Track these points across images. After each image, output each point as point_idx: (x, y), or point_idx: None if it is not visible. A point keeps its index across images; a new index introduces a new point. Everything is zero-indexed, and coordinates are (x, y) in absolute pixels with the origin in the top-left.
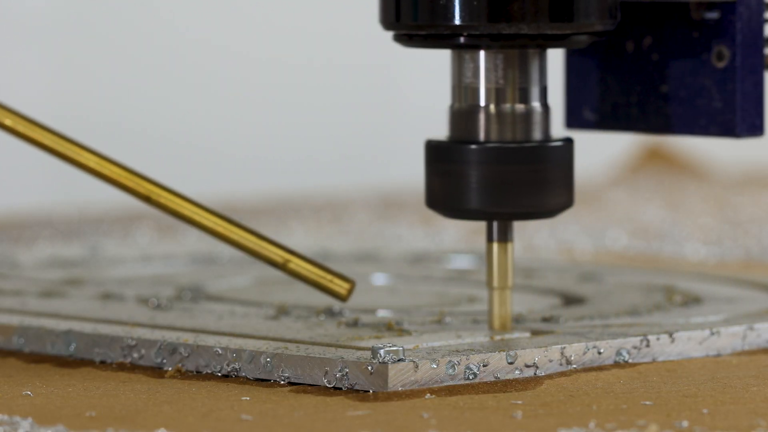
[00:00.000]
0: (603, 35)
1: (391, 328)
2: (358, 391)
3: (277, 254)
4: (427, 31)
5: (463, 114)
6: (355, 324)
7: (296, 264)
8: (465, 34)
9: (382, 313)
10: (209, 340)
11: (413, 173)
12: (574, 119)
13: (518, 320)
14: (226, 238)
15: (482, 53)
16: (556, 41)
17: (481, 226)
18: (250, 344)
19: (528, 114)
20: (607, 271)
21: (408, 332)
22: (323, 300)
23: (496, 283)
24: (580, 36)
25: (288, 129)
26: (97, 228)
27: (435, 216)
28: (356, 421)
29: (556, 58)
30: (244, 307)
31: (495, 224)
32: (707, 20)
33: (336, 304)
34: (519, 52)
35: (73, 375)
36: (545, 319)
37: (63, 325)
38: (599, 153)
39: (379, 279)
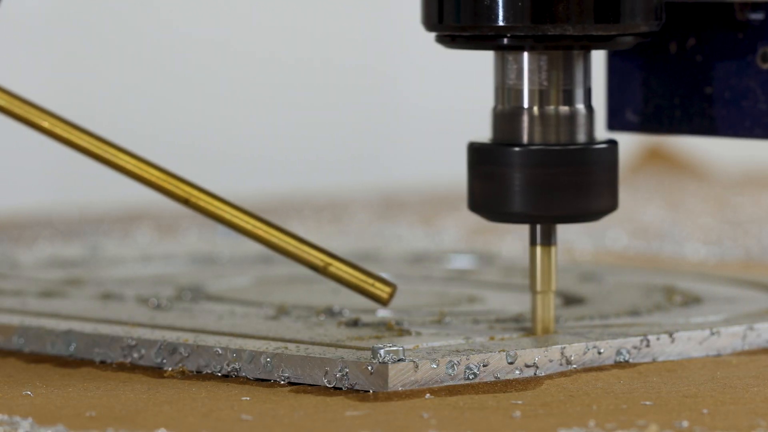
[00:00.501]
0: (648, 36)
1: (391, 328)
2: (358, 391)
3: (318, 258)
4: (470, 32)
5: (506, 116)
6: (355, 324)
7: (337, 267)
8: (509, 35)
9: (382, 313)
10: (209, 340)
11: (414, 173)
12: (616, 121)
13: (518, 320)
14: (266, 241)
15: (526, 54)
16: (601, 42)
17: (481, 226)
18: (250, 344)
19: (572, 116)
20: (607, 271)
21: (408, 332)
22: (323, 300)
23: (539, 287)
24: (625, 37)
25: (288, 129)
26: (97, 228)
27: (435, 216)
28: (356, 421)
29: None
30: (244, 307)
31: (538, 227)
32: (752, 21)
33: (336, 304)
34: (563, 53)
35: (73, 375)
36: None
37: (63, 325)
38: None
39: None
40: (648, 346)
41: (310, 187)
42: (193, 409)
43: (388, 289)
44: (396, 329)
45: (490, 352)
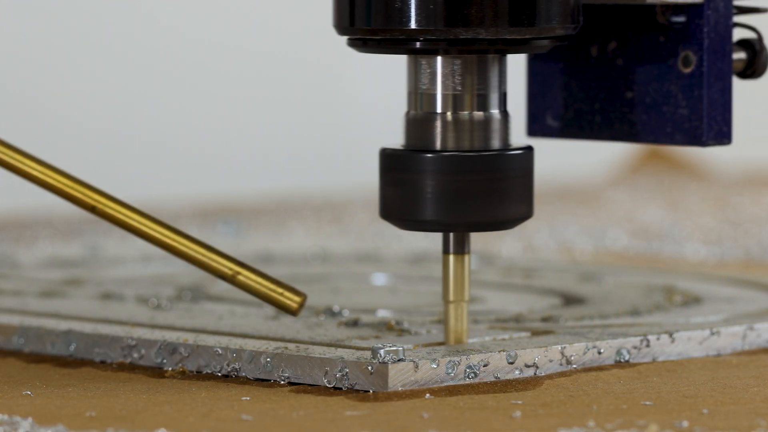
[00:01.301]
0: (565, 40)
1: (391, 328)
2: (358, 391)
3: (227, 266)
4: (381, 35)
5: (418, 121)
6: (355, 324)
7: (246, 276)
8: (421, 38)
9: (382, 313)
10: (209, 340)
11: None
12: (536, 127)
13: (518, 320)
14: (175, 249)
15: (439, 59)
16: (516, 46)
17: None
18: (250, 344)
19: (486, 121)
20: (607, 271)
21: (408, 332)
22: (323, 300)
23: (452, 296)
24: (541, 41)
25: (288, 129)
26: (97, 228)
27: None
28: (356, 421)
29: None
30: (244, 307)
31: (451, 236)
32: (674, 24)
33: (336, 304)
34: (477, 57)
35: (73, 375)
36: (545, 319)
37: (63, 325)
38: (599, 153)
39: (379, 279)
40: (648, 346)
41: (310, 187)
42: (193, 409)
43: (297, 299)
44: (396, 329)
45: (490, 352)
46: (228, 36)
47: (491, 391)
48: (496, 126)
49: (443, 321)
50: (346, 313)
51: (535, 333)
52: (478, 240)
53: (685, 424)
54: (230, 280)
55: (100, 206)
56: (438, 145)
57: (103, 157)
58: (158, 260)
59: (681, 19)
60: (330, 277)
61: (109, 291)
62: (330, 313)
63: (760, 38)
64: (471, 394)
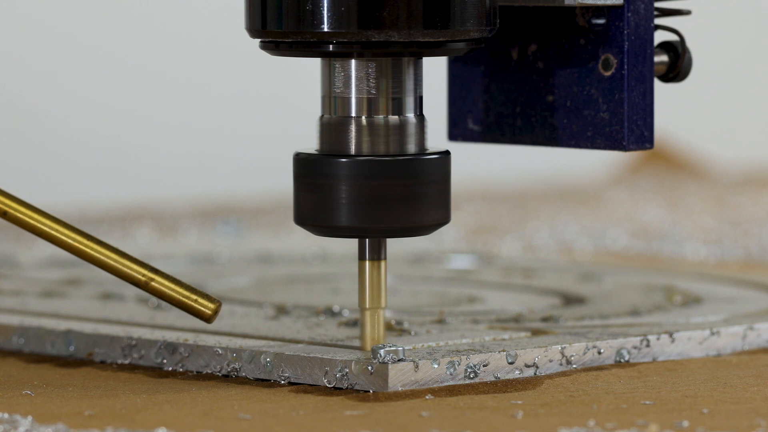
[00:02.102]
0: (482, 43)
1: (391, 328)
2: (358, 391)
3: (140, 272)
4: (293, 38)
5: (333, 126)
6: (355, 324)
7: (159, 283)
8: (333, 41)
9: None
10: (209, 340)
11: None
12: (457, 131)
13: (518, 320)
14: (87, 255)
15: (353, 62)
16: (430, 49)
17: (481, 226)
18: (250, 344)
19: (402, 125)
20: (607, 271)
21: (408, 332)
22: (323, 300)
23: (368, 303)
24: (456, 44)
25: (288, 129)
26: (97, 228)
27: None
28: (356, 421)
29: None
30: (244, 307)
31: (367, 242)
32: (594, 27)
33: (336, 304)
34: (392, 60)
35: (73, 375)
36: (545, 319)
37: (63, 325)
38: (599, 153)
39: None
40: (648, 346)
41: None
42: (192, 408)
43: (212, 306)
44: (396, 329)
45: (490, 352)
46: (228, 36)
47: (491, 391)
48: (411, 130)
49: (360, 327)
50: (346, 313)
51: (535, 333)
52: (478, 240)
53: (685, 423)
54: (143, 286)
55: (11, 211)
56: (353, 149)
57: (103, 157)
58: (158, 260)
59: (601, 21)
60: (330, 277)
61: (109, 291)
62: (330, 313)
63: (682, 41)
64: (471, 394)
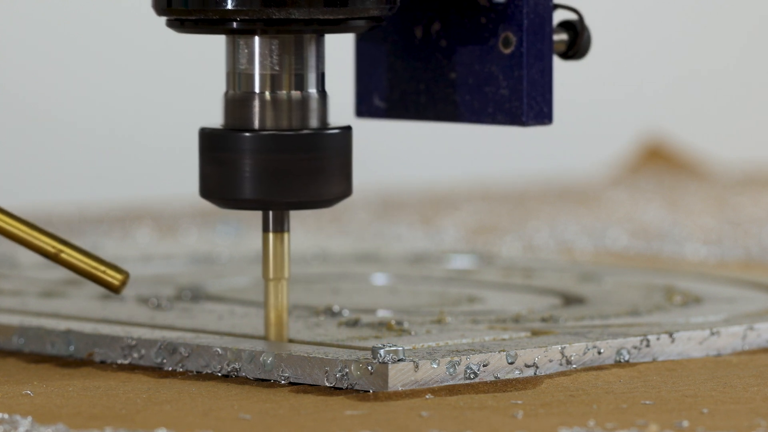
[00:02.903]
0: (381, 21)
1: (391, 328)
2: (358, 391)
3: (50, 244)
4: (197, 16)
5: (237, 101)
6: (355, 324)
7: (69, 255)
8: (237, 19)
9: (382, 313)
10: (209, 340)
11: (413, 173)
12: (364, 108)
13: (518, 320)
14: None
15: (256, 39)
16: (331, 26)
17: (481, 226)
18: (250, 344)
19: (304, 101)
20: (607, 271)
21: (408, 332)
22: (323, 300)
23: (271, 274)
24: (356, 21)
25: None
26: (97, 228)
27: (435, 216)
28: (356, 421)
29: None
30: (244, 307)
31: (270, 214)
32: (495, 5)
33: (336, 304)
34: (294, 37)
35: (73, 375)
36: (545, 319)
37: (63, 325)
38: (599, 153)
39: (379, 279)
40: (648, 346)
41: None
42: (193, 408)
43: (120, 277)
44: (396, 329)
45: (490, 352)
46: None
47: (491, 391)
48: (314, 105)
49: (264, 299)
50: (346, 313)
51: (535, 333)
52: (478, 240)
53: (685, 423)
54: (53, 258)
55: None
56: (256, 124)
57: (103, 157)
58: (158, 260)
59: (501, 0)
60: (330, 277)
61: (109, 291)
62: (330, 313)
63: (581, 19)
64: (471, 393)
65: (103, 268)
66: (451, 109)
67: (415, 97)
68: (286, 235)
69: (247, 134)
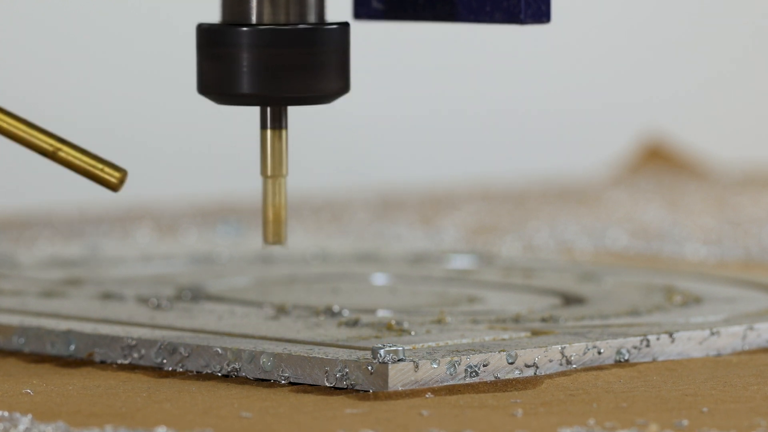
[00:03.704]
0: None
1: (391, 328)
2: (358, 391)
3: (47, 142)
4: None
5: None
6: (355, 324)
7: (66, 152)
8: None
9: (382, 313)
10: (209, 340)
11: (413, 173)
12: (362, 10)
13: (518, 320)
14: None
15: None
16: None
17: (481, 226)
18: (250, 344)
19: None
20: (607, 271)
21: (408, 332)
22: (323, 300)
23: (269, 171)
24: None
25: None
26: (97, 228)
27: (435, 216)
28: (357, 420)
29: None
30: (244, 307)
31: (269, 110)
32: None
33: (336, 304)
34: None
35: (73, 374)
36: (545, 319)
37: (63, 325)
38: (599, 153)
39: (379, 279)
40: (648, 346)
41: (309, 187)
42: (193, 407)
43: (117, 174)
44: (396, 329)
45: (490, 352)
46: None
47: (491, 391)
48: (312, 1)
49: (261, 197)
50: (346, 313)
51: (535, 333)
52: (478, 240)
53: (685, 423)
54: (51, 156)
55: None
56: (254, 18)
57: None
58: (158, 260)
59: None
60: (330, 277)
61: (109, 291)
62: (330, 313)
63: None
64: (471, 393)
65: (101, 166)
66: (449, 8)
67: None
68: (284, 132)
69: (244, 29)
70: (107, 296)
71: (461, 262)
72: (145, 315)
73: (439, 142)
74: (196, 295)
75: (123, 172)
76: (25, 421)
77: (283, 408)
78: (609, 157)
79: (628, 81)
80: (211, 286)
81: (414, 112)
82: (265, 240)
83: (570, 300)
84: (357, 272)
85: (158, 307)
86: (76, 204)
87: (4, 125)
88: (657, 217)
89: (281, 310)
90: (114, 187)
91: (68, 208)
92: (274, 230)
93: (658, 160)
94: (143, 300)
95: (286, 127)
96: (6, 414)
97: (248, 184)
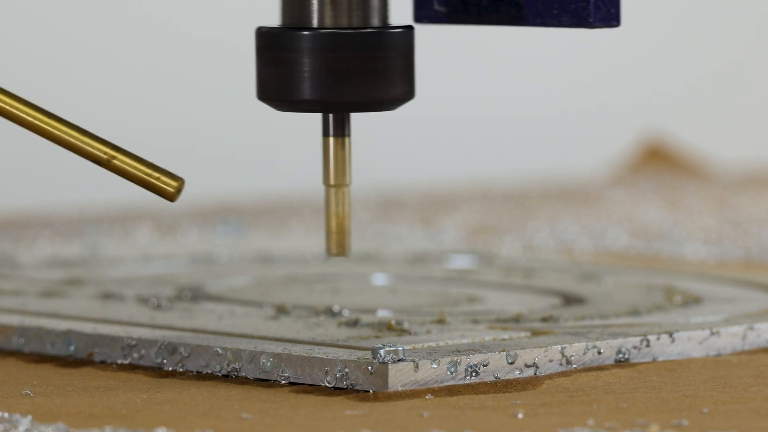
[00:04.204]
0: None
1: (391, 328)
2: (358, 391)
3: (101, 150)
4: None
5: None
6: (355, 324)
7: (121, 161)
8: None
9: (382, 313)
10: (209, 340)
11: (413, 173)
12: (423, 13)
13: (518, 320)
14: (47, 133)
15: None
16: None
17: (481, 226)
18: (250, 344)
19: None
20: (607, 271)
21: (408, 332)
22: (323, 300)
23: (332, 180)
24: None
25: (288, 129)
26: (97, 228)
27: (435, 216)
28: (357, 420)
29: None
30: (244, 307)
31: (331, 117)
32: None
33: (336, 304)
34: None
35: (73, 375)
36: (545, 319)
37: (63, 325)
38: (599, 153)
39: (379, 279)
40: (648, 346)
41: (310, 188)
42: (193, 407)
43: (174, 184)
44: (396, 329)
45: (491, 352)
46: (227, 35)
47: (491, 391)
48: (375, 4)
49: (324, 206)
50: (346, 313)
51: (535, 333)
52: (478, 240)
53: (685, 423)
54: (105, 165)
55: None
56: (315, 22)
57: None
58: (158, 260)
59: None
60: (330, 277)
61: (109, 291)
62: (330, 313)
63: None
64: (471, 393)
65: (157, 174)
66: (515, 11)
67: (476, 0)
68: (347, 140)
69: (306, 33)
70: (107, 296)
71: (461, 262)
72: (145, 315)
73: (439, 142)
74: (196, 295)
75: (180, 181)
76: (25, 422)
77: (283, 409)
78: (609, 157)
79: (628, 81)
80: (211, 286)
81: (414, 113)
82: (329, 252)
83: (570, 300)
84: (357, 272)
85: (158, 307)
86: (76, 204)
87: (56, 132)
88: (657, 217)
89: (281, 310)
90: (171, 197)
91: (68, 208)
92: (337, 241)
93: (658, 160)
94: (143, 300)
95: (349, 135)
96: (6, 415)
97: (248, 184)
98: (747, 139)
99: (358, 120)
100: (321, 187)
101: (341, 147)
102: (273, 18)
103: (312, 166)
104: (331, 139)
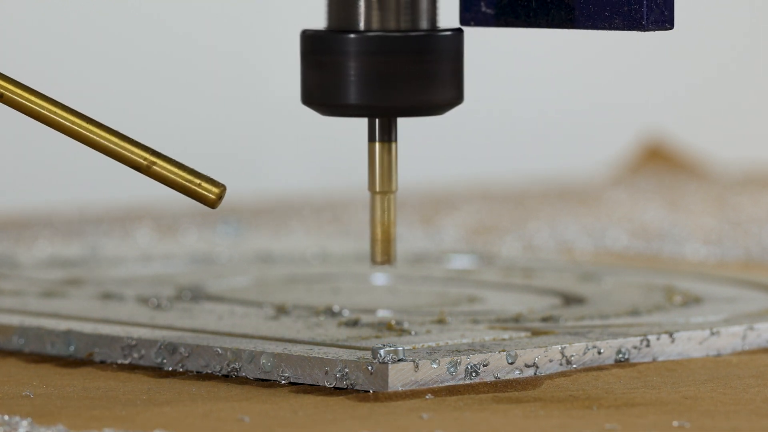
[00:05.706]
0: None
1: (391, 328)
2: (358, 391)
3: (141, 156)
4: None
5: (342, 1)
6: (355, 324)
7: (161, 167)
8: None
9: (382, 313)
10: (209, 340)
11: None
12: (470, 15)
13: (518, 320)
14: (86, 138)
15: None
16: None
17: (481, 226)
18: (250, 344)
19: (413, 1)
20: (607, 271)
21: (408, 332)
22: (323, 300)
23: (378, 187)
24: None
25: (288, 129)
26: (97, 228)
27: (435, 216)
28: (356, 421)
29: None
30: (244, 307)
31: (377, 122)
32: None
33: (336, 304)
34: None
35: (73, 375)
36: (545, 319)
37: (63, 325)
38: (599, 153)
39: (379, 279)
40: (648, 346)
41: (310, 188)
42: (193, 409)
43: (216, 190)
44: (396, 329)
45: (491, 352)
46: (227, 36)
47: (491, 391)
48: (423, 6)
49: (370, 213)
50: (346, 313)
51: (535, 333)
52: (478, 240)
53: (685, 423)
54: (145, 171)
55: (7, 94)
56: (362, 25)
57: (103, 157)
58: (158, 260)
59: None
60: (330, 277)
61: (109, 291)
62: (330, 313)
63: None
64: (471, 394)
65: (198, 181)
66: (565, 14)
67: (525, 2)
68: (393, 145)
69: (352, 36)
70: (107, 296)
71: (461, 262)
72: (145, 315)
73: (439, 142)
74: (196, 295)
75: (221, 188)
76: (24, 424)
77: (284, 410)
78: (609, 157)
79: (628, 81)
80: (211, 286)
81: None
82: (373, 260)
83: (570, 300)
84: (357, 272)
85: (158, 307)
86: (76, 204)
87: (95, 138)
88: (657, 217)
89: (281, 310)
90: (212, 204)
91: (68, 208)
92: (383, 249)
93: (658, 160)
94: (143, 300)
95: (395, 140)
96: (6, 417)
97: (248, 184)
98: (747, 139)
99: (358, 120)
100: (321, 187)
101: (387, 152)
102: (278, 21)
103: (312, 166)
104: (377, 145)
